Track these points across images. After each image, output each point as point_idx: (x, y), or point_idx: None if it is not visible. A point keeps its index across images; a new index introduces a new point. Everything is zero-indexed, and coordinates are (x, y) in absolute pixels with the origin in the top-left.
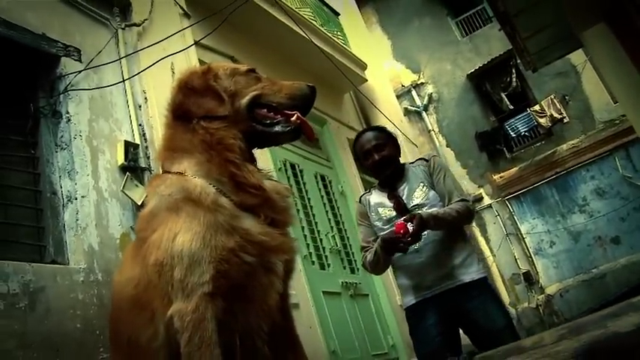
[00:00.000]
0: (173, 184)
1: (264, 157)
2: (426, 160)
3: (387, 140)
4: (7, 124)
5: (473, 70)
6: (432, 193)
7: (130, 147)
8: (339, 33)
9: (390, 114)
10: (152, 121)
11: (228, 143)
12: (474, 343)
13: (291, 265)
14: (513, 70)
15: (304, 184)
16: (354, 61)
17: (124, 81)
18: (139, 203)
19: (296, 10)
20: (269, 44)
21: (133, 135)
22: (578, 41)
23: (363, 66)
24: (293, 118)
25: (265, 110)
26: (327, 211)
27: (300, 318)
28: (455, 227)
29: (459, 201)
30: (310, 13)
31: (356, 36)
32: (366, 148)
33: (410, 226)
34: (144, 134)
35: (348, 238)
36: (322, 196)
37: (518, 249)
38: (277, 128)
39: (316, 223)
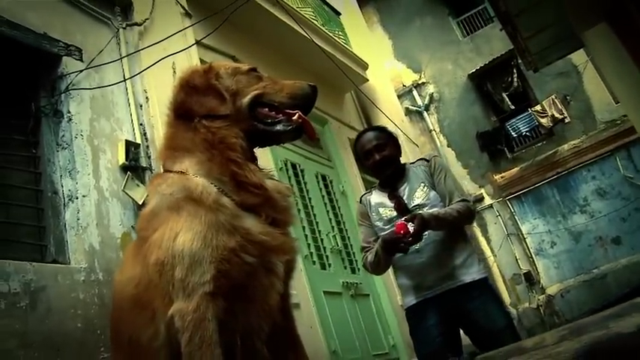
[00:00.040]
0: (174, 183)
1: (265, 157)
2: (427, 161)
3: (388, 140)
4: (8, 123)
5: (474, 70)
6: (432, 193)
7: (131, 146)
8: (340, 32)
9: (391, 114)
10: (153, 121)
11: (230, 142)
12: (474, 344)
13: (292, 265)
14: (514, 70)
15: (305, 183)
16: (355, 60)
17: (125, 80)
18: (140, 202)
19: (297, 9)
20: (270, 44)
21: (134, 134)
22: (579, 41)
23: (364, 66)
24: (294, 117)
25: (267, 109)
26: (328, 211)
27: (301, 318)
28: (456, 227)
29: (459, 201)
30: (311, 13)
31: (357, 35)
32: (367, 148)
33: (410, 227)
34: (145, 134)
35: (348, 238)
36: (323, 196)
37: (519, 249)
38: (279, 127)
39: (317, 222)
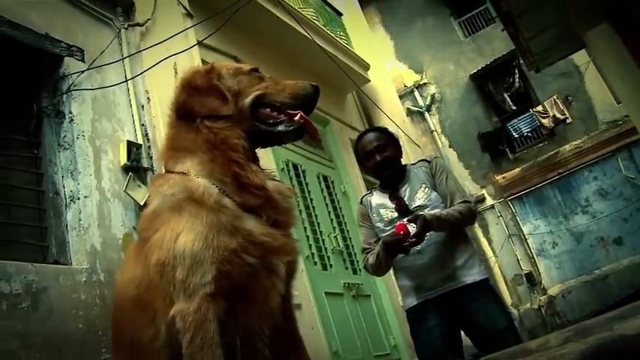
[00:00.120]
0: (176, 183)
1: (266, 157)
2: (428, 162)
3: (389, 141)
4: (10, 124)
5: (476, 71)
6: (433, 194)
7: (132, 147)
8: (341, 33)
9: (393, 114)
10: (155, 121)
11: (232, 143)
12: (475, 345)
13: (294, 267)
14: (516, 71)
15: (307, 184)
16: (357, 61)
17: (126, 81)
18: (142, 203)
19: (299, 10)
20: (272, 44)
21: (136, 135)
22: (581, 41)
23: (366, 66)
24: (296, 118)
25: (269, 110)
26: (329, 212)
27: (303, 319)
28: (457, 229)
29: (461, 202)
30: (313, 13)
31: (359, 36)
32: (368, 149)
33: (411, 227)
34: (146, 134)
35: (350, 238)
36: (325, 197)
37: (521, 250)
38: (280, 128)
39: (319, 223)
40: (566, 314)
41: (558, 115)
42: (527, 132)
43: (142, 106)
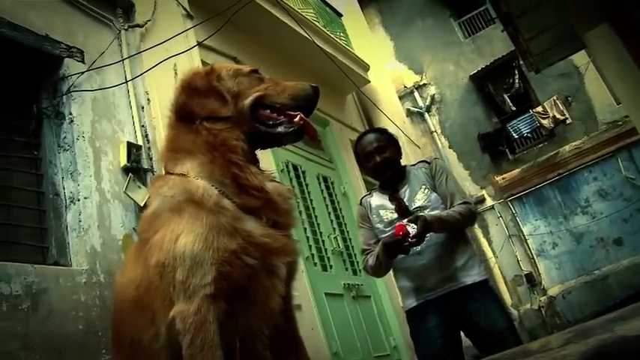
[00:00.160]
0: (176, 185)
1: (266, 158)
2: (428, 163)
3: (389, 142)
4: (10, 125)
5: (475, 72)
6: (433, 195)
7: (132, 148)
8: (341, 34)
9: (393, 115)
10: (155, 122)
11: (232, 144)
12: (475, 346)
13: (294, 268)
14: (516, 72)
15: (307, 185)
16: (357, 62)
17: (126, 82)
18: (142, 204)
19: (299, 11)
20: (272, 45)
21: (136, 136)
22: (581, 42)
23: (366, 67)
24: (296, 119)
25: (268, 111)
26: (329, 213)
27: (303, 320)
28: (457, 230)
29: (461, 204)
30: (313, 14)
31: (358, 37)
32: (368, 150)
33: (411, 228)
34: (146, 135)
35: (350, 239)
36: (324, 198)
37: (521, 250)
38: (280, 129)
39: (318, 224)
40: (566, 315)
41: (558, 116)
42: (527, 133)
43: (142, 107)
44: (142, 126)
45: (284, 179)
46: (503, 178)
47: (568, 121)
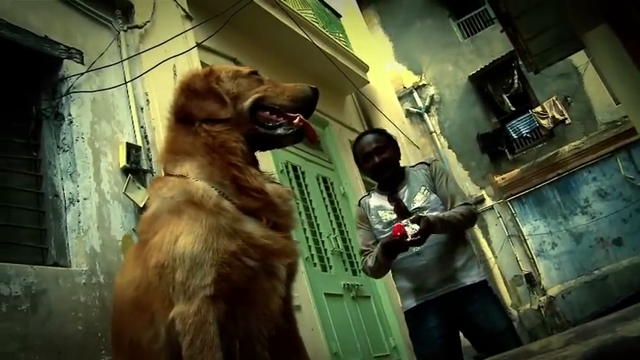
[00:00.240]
0: (175, 186)
1: (265, 160)
2: (427, 164)
3: (388, 143)
4: (9, 126)
5: (475, 72)
6: (433, 196)
7: (132, 149)
8: (340, 35)
9: (392, 116)
10: (154, 124)
11: (231, 146)
12: (474, 346)
13: (294, 269)
14: (515, 72)
15: (306, 186)
16: (356, 62)
17: (126, 83)
18: (141, 205)
19: (298, 12)
20: (271, 46)
21: (135, 137)
22: (580, 42)
23: (365, 68)
24: (295, 121)
25: (268, 113)
26: (329, 213)
27: (302, 320)
28: (458, 231)
29: (462, 205)
30: (312, 15)
31: (358, 38)
32: (367, 150)
33: (409, 229)
34: (146, 136)
35: (349, 240)
36: (324, 198)
37: (520, 250)
38: (280, 131)
39: (318, 225)
40: (565, 315)
41: (557, 116)
42: (527, 133)
43: (141, 108)
44: (142, 127)
45: (283, 180)
46: (502, 179)
47: (567, 122)
